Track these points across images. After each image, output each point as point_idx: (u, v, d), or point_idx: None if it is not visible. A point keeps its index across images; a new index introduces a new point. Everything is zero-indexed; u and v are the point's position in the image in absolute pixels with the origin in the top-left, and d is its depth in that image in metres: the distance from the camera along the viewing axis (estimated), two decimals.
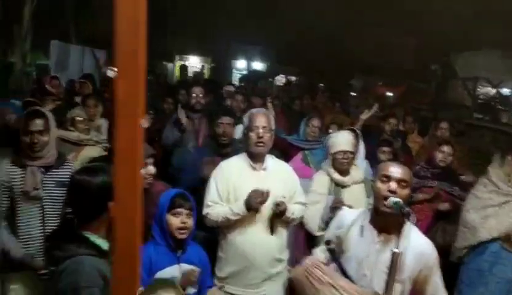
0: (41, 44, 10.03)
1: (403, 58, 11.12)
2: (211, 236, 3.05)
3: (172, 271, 2.45)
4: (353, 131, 3.91)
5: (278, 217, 2.80)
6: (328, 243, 2.37)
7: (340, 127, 4.58)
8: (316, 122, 4.54)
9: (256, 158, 2.89)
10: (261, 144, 2.84)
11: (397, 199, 2.06)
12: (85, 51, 10.01)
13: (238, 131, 4.12)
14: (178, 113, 4.30)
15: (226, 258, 2.87)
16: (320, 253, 2.46)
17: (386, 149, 4.39)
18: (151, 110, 5.73)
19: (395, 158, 4.08)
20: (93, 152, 3.72)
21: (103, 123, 4.49)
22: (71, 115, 3.89)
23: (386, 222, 2.20)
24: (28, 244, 2.71)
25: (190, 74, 13.14)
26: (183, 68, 13.97)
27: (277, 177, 2.91)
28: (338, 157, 3.40)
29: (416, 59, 10.52)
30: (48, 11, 10.07)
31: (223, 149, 3.64)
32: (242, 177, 2.84)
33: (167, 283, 2.24)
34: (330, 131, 4.46)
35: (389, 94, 10.19)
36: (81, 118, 3.89)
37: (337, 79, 11.75)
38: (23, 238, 2.71)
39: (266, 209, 2.79)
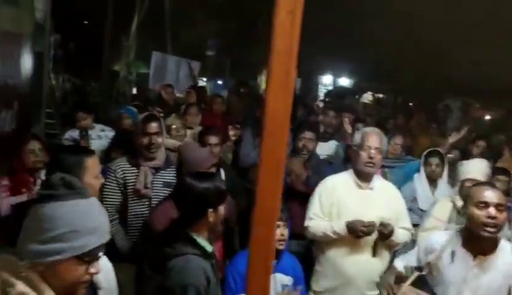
0: (142, 54, 10.77)
1: (503, 78, 10.44)
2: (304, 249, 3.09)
3: None
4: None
5: (382, 239, 2.77)
6: (420, 269, 2.33)
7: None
8: (398, 140, 4.47)
9: (363, 177, 2.89)
10: (371, 165, 2.83)
11: None
12: (181, 62, 10.53)
13: (326, 147, 4.17)
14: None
15: (323, 272, 2.89)
16: (402, 269, 2.45)
17: (502, 177, 4.04)
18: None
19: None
20: None
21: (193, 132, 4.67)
22: (167, 123, 4.13)
23: (483, 245, 2.20)
24: (135, 238, 2.92)
25: None
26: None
27: (383, 199, 2.88)
28: (467, 185, 3.14)
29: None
30: (150, 23, 10.76)
31: (324, 167, 3.67)
32: (347, 195, 2.86)
33: None
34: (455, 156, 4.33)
35: (488, 117, 9.62)
36: (176, 126, 4.11)
37: (430, 99, 11.29)
38: (131, 233, 2.93)
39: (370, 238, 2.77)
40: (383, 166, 4.21)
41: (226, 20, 13.44)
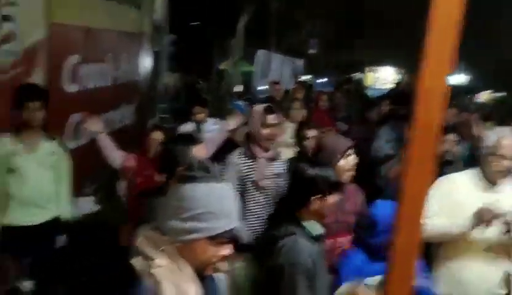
0: (245, 53, 11.07)
1: None
2: None
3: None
4: None
5: (506, 242, 2.51)
6: None
7: None
8: None
9: (491, 180, 2.64)
10: (503, 174, 2.60)
11: None
12: (285, 60, 10.64)
13: None
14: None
15: (439, 279, 2.69)
16: None
17: None
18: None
19: None
20: (286, 153, 3.88)
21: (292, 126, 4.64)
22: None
23: None
24: (253, 229, 2.96)
25: (380, 85, 12.89)
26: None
27: (509, 201, 2.61)
28: None
29: None
30: (256, 24, 11.02)
31: (444, 166, 3.43)
32: (470, 197, 2.62)
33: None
34: None
35: None
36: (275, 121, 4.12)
37: None
38: (250, 223, 2.97)
39: (492, 235, 2.53)
40: None
41: (329, 19, 13.30)
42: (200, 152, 2.27)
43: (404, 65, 16.16)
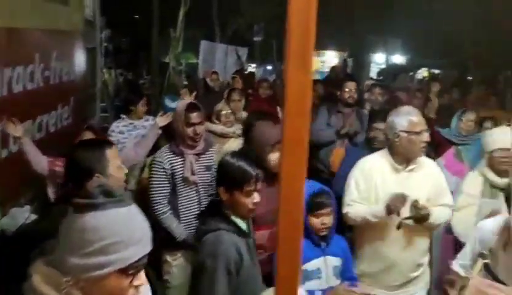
0: (191, 45, 10.95)
1: None
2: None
3: (318, 263, 2.49)
4: None
5: (419, 222, 2.67)
6: (483, 256, 2.21)
7: (496, 123, 4.20)
8: (471, 116, 4.25)
9: (404, 159, 2.77)
10: (424, 149, 2.75)
11: None
12: (229, 50, 10.60)
13: None
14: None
15: (363, 256, 2.83)
16: (459, 269, 2.33)
17: None
18: None
19: None
20: (236, 144, 3.92)
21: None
22: (216, 108, 4.18)
23: None
24: (189, 224, 2.99)
25: (326, 68, 13.08)
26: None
27: (422, 179, 2.76)
28: (496, 156, 3.05)
29: None
30: (197, 13, 10.90)
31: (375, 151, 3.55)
32: (384, 179, 2.76)
33: None
34: (487, 127, 4.11)
35: None
36: (225, 112, 4.15)
37: (490, 71, 10.65)
38: (184, 219, 3.01)
39: (408, 212, 2.68)
40: (456, 144, 4.08)
41: (272, 5, 13.33)
42: (114, 156, 2.14)
43: (346, 49, 16.52)
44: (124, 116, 4.33)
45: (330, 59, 16.03)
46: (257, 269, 2.17)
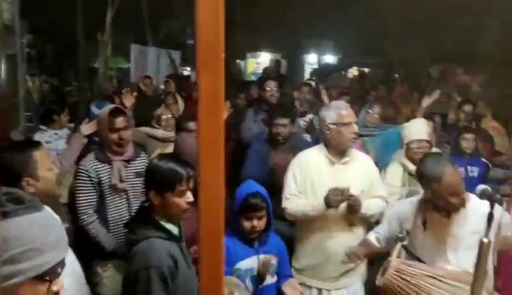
0: (122, 49, 10.62)
1: (485, 43, 10.39)
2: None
3: (251, 262, 2.49)
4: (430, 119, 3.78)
5: (351, 213, 2.76)
6: (401, 239, 2.34)
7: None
8: (376, 109, 4.48)
9: (338, 152, 2.86)
10: (355, 141, 2.84)
11: (485, 186, 1.99)
12: (161, 53, 10.40)
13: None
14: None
15: (304, 250, 2.89)
16: (374, 240, 2.51)
17: (468, 135, 4.14)
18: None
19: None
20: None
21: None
22: (156, 113, 4.11)
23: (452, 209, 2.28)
24: (119, 234, 2.89)
25: (261, 70, 13.21)
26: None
27: (356, 171, 2.86)
28: (413, 147, 3.27)
29: (501, 44, 9.75)
30: (127, 16, 10.61)
31: (278, 145, 3.63)
32: (320, 171, 2.83)
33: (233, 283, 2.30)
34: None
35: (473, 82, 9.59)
36: (165, 116, 4.09)
37: (415, 69, 11.24)
38: (113, 229, 2.91)
39: (344, 204, 2.77)
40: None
41: None
42: (43, 157, 2.08)
43: (280, 50, 16.77)
44: (45, 127, 4.13)
45: (265, 60, 16.17)
46: (193, 272, 2.14)
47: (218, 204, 1.13)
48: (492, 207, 1.75)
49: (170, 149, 3.85)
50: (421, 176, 2.34)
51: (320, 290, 2.89)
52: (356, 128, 2.82)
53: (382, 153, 3.70)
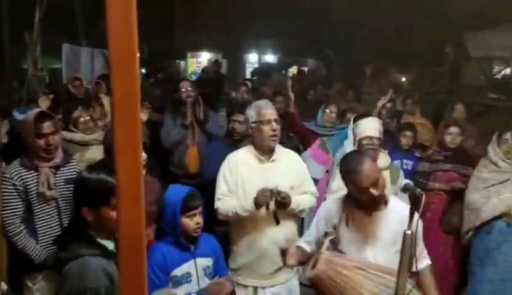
0: (52, 49, 10.12)
1: (413, 41, 10.96)
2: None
3: (189, 267, 2.46)
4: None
5: (281, 208, 2.81)
6: (330, 234, 2.42)
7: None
8: (332, 108, 4.61)
9: (264, 150, 2.89)
10: (275, 138, 2.87)
11: (407, 181, 2.07)
12: (95, 53, 10.05)
13: None
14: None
15: (238, 250, 2.92)
16: (305, 245, 2.57)
17: (408, 133, 4.41)
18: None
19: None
20: (97, 152, 3.73)
21: None
22: (74, 116, 3.94)
23: (375, 203, 2.37)
24: (48, 244, 2.76)
25: (198, 70, 13.12)
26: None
27: (285, 168, 2.92)
28: (364, 143, 3.36)
29: (428, 42, 10.28)
30: (57, 15, 10.14)
31: (237, 143, 3.63)
32: (250, 170, 2.86)
33: None
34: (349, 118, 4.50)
35: (404, 80, 10.07)
36: (83, 119, 3.92)
37: (351, 67, 11.63)
38: (43, 239, 2.77)
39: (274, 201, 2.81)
40: (319, 135, 4.37)
41: (143, 5, 12.96)
42: None
43: (220, 50, 16.74)
44: None
45: (205, 60, 16.07)
46: None
47: (138, 207, 1.10)
48: (414, 200, 1.84)
49: (90, 152, 3.73)
50: (344, 171, 2.40)
51: (255, 289, 2.92)
52: (275, 125, 2.86)
53: (340, 152, 3.75)
